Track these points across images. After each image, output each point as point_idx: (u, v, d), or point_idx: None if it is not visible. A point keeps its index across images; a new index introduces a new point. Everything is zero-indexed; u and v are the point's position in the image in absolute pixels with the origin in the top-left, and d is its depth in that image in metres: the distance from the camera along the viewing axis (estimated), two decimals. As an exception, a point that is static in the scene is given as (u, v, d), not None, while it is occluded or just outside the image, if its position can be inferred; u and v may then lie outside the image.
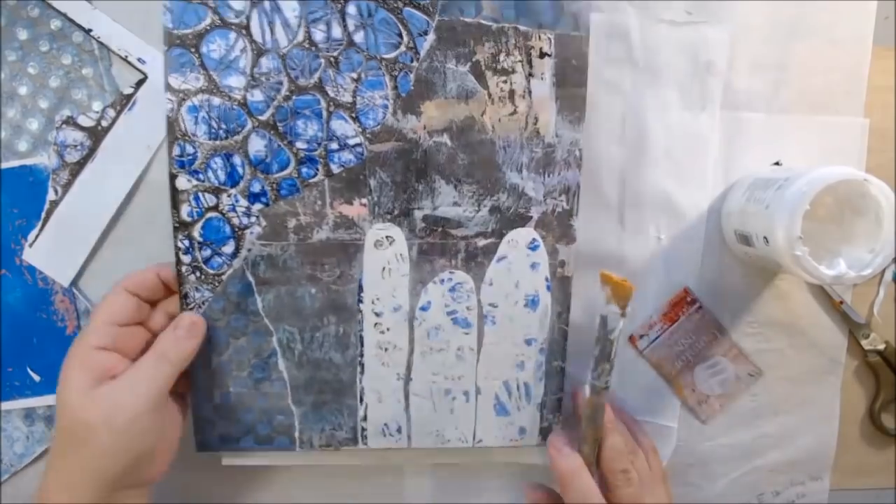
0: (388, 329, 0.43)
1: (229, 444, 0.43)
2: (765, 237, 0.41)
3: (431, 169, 0.40)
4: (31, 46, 0.42)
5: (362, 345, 0.43)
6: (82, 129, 0.42)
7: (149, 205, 0.43)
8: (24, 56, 0.42)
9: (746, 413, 0.50)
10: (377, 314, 0.43)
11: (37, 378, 0.44)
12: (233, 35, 0.38)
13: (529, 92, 0.40)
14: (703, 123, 0.47)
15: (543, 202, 0.41)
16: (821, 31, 0.47)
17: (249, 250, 0.40)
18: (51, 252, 0.42)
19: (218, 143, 0.39)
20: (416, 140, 0.40)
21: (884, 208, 0.40)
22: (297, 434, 0.44)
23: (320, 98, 0.39)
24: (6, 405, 0.44)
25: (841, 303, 0.49)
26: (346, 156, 0.39)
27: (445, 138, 0.40)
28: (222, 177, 0.39)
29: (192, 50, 0.38)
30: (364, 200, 0.40)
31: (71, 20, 0.41)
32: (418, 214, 0.41)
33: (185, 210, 0.39)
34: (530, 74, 0.40)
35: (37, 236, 0.42)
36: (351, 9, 0.38)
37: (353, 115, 0.39)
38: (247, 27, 0.38)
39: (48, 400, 0.44)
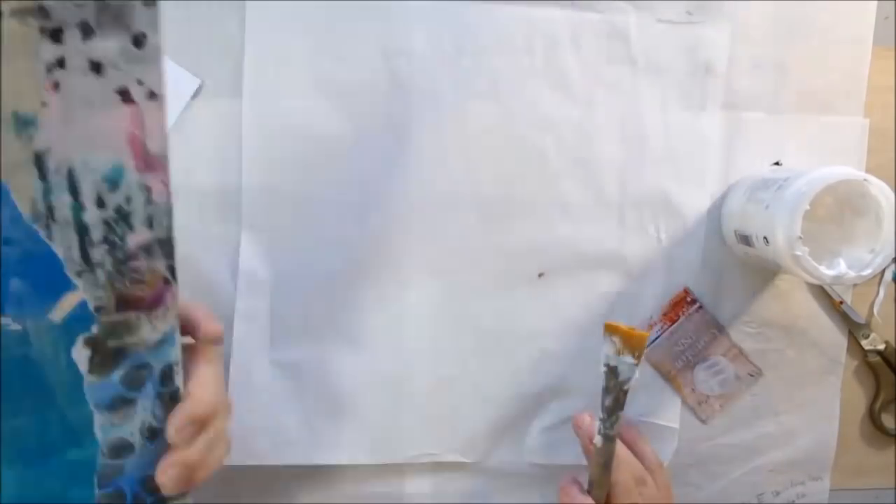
0: None
1: None
2: (765, 237, 0.41)
3: None
4: (31, 46, 0.41)
5: None
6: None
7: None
8: (24, 56, 0.42)
9: (746, 413, 0.50)
10: None
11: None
12: None
13: None
14: (703, 123, 0.47)
15: None
16: (821, 31, 0.47)
17: None
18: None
19: None
20: None
21: (884, 208, 0.40)
22: None
23: None
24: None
25: (841, 303, 0.49)
26: None
27: None
28: None
29: None
30: None
31: (71, 20, 0.41)
32: None
33: None
34: None
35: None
36: None
37: None
38: None
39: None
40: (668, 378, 0.49)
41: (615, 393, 0.38)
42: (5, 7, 0.22)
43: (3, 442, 0.27)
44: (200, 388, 0.30)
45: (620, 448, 0.41)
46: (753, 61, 0.47)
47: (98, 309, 0.26)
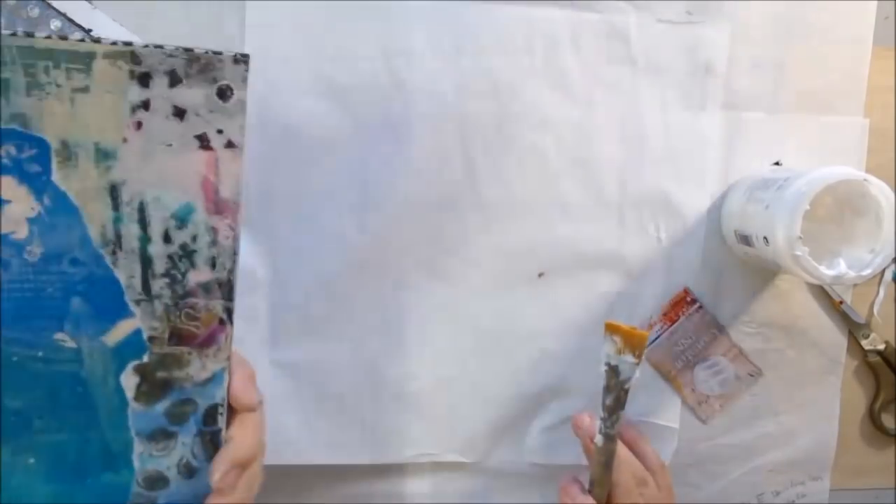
0: None
1: None
2: (765, 237, 0.41)
3: None
4: (31, 46, 0.42)
5: None
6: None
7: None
8: (24, 56, 0.42)
9: (746, 413, 0.50)
10: None
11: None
12: None
13: None
14: (703, 123, 0.47)
15: None
16: (820, 31, 0.47)
17: None
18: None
19: None
20: None
21: (884, 208, 0.40)
22: None
23: None
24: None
25: (841, 303, 0.49)
26: None
27: None
28: None
29: None
30: None
31: (71, 20, 0.41)
32: None
33: None
34: None
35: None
36: None
37: None
38: None
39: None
40: (668, 378, 0.49)
41: (616, 392, 0.38)
42: (99, 48, 0.24)
43: (43, 455, 0.27)
44: (243, 431, 0.30)
45: (621, 448, 0.41)
46: (753, 61, 0.47)
47: (151, 339, 0.27)
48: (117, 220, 0.26)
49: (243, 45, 0.42)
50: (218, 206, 0.27)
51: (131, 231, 0.26)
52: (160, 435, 0.28)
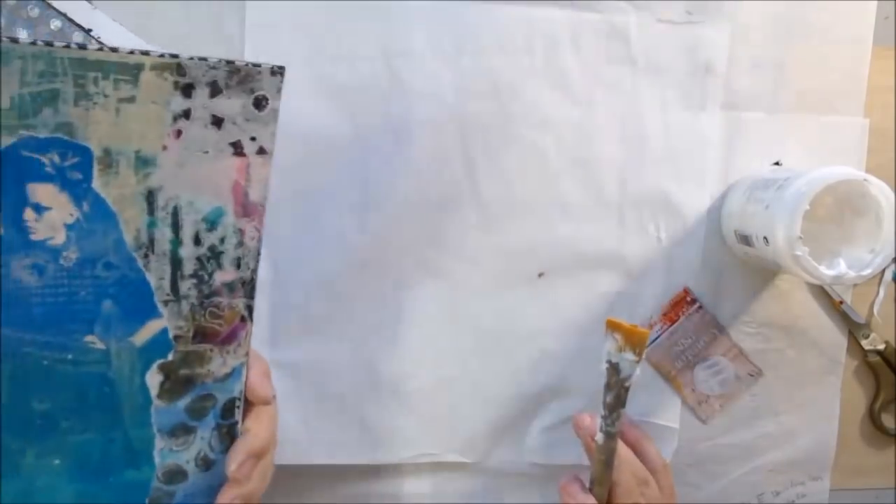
0: None
1: None
2: (765, 237, 0.41)
3: None
4: (31, 46, 0.42)
5: None
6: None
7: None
8: (24, 56, 0.42)
9: (746, 413, 0.50)
10: None
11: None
12: None
13: None
14: (703, 123, 0.47)
15: None
16: (820, 31, 0.47)
17: None
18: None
19: None
20: None
21: (884, 208, 0.40)
22: None
23: None
24: (6, 405, 0.44)
25: (841, 303, 0.49)
26: None
27: None
28: None
29: None
30: None
31: (71, 20, 0.41)
32: None
33: None
34: None
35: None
36: None
37: None
38: None
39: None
40: (668, 378, 0.49)
41: (616, 390, 0.38)
42: (147, 60, 0.25)
43: (68, 455, 0.28)
44: (258, 423, 0.31)
45: (622, 448, 0.41)
46: (753, 61, 0.47)
47: (177, 338, 0.28)
48: (151, 225, 0.27)
49: (243, 45, 0.42)
50: (246, 209, 0.28)
51: (164, 234, 0.27)
52: (180, 430, 0.29)
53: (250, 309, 0.29)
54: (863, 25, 0.47)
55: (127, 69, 0.25)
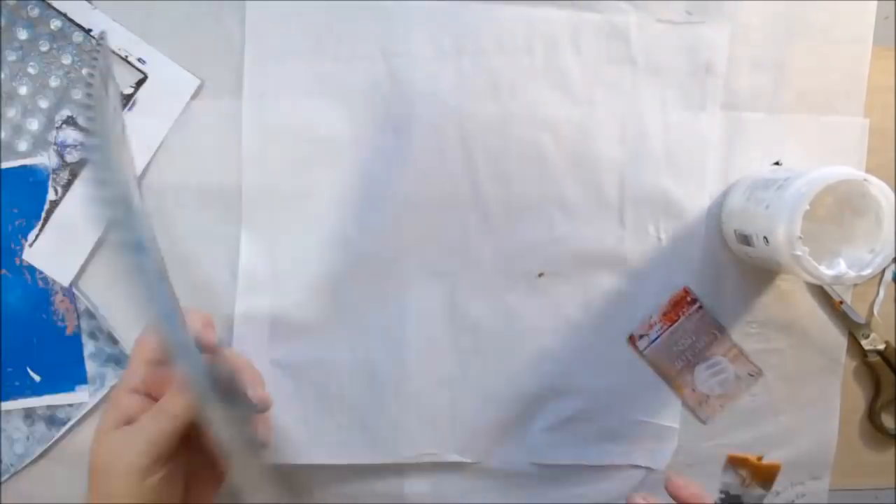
0: None
1: None
2: (765, 237, 0.41)
3: None
4: (31, 46, 0.41)
5: None
6: (82, 129, 0.42)
7: (149, 205, 0.43)
8: (24, 56, 0.42)
9: (746, 413, 0.50)
10: None
11: (37, 378, 0.44)
12: None
13: None
14: (703, 123, 0.47)
15: None
16: (820, 31, 0.47)
17: None
18: (51, 252, 0.42)
19: None
20: None
21: (884, 208, 0.40)
22: None
23: None
24: (6, 405, 0.44)
25: (841, 303, 0.49)
26: None
27: None
28: None
29: None
30: None
31: (71, 20, 0.41)
32: None
33: None
34: None
35: (37, 236, 0.42)
36: None
37: None
38: None
39: (48, 400, 0.44)
40: (668, 378, 0.49)
41: None
42: None
43: None
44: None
45: None
46: (753, 61, 0.47)
47: None
48: None
49: (243, 45, 0.42)
50: None
51: None
52: None
53: None
54: (863, 25, 0.47)
55: None
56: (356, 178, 0.44)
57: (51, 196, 0.42)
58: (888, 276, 0.50)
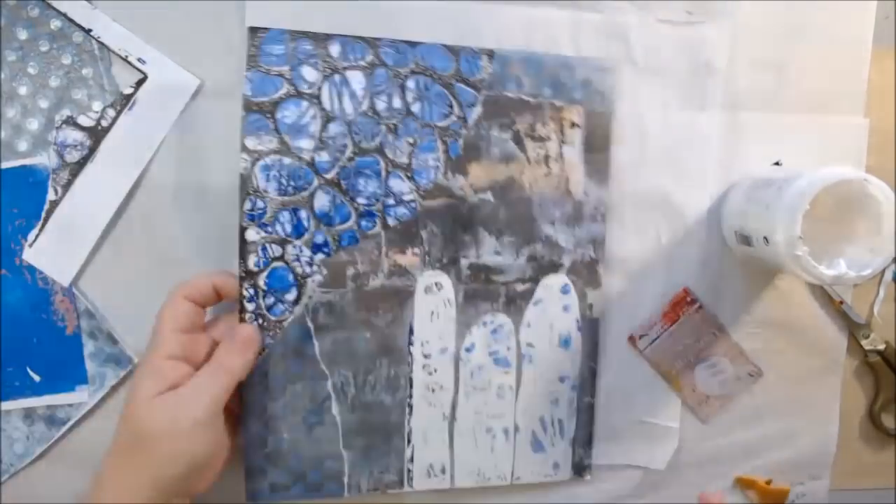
0: (435, 370, 0.45)
1: (280, 492, 0.43)
2: (765, 237, 0.41)
3: (476, 222, 0.44)
4: (31, 46, 0.41)
5: (411, 386, 0.45)
6: (82, 129, 0.42)
7: (149, 205, 0.43)
8: (24, 56, 0.42)
9: (746, 413, 0.50)
10: (426, 356, 0.45)
11: (37, 378, 0.44)
12: (305, 104, 0.42)
13: (562, 157, 0.45)
14: (703, 123, 0.47)
15: (574, 251, 0.46)
16: (821, 31, 0.47)
17: (310, 297, 0.43)
18: (51, 252, 0.42)
19: (286, 198, 0.42)
20: (463, 196, 0.44)
21: (884, 208, 0.40)
22: (346, 479, 0.44)
23: (380, 159, 0.43)
24: (6, 405, 0.44)
25: (841, 303, 0.49)
26: (402, 210, 0.43)
27: (489, 195, 0.44)
28: (289, 229, 0.42)
29: (268, 115, 0.41)
30: (416, 250, 0.44)
31: (71, 20, 0.41)
32: (464, 263, 0.44)
33: (252, 260, 0.42)
34: (563, 142, 0.45)
35: (37, 236, 0.42)
36: (410, 83, 0.43)
37: (409, 174, 0.43)
38: (318, 97, 0.42)
39: (48, 400, 0.44)
40: (668, 378, 0.49)
41: None
42: None
43: None
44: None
45: None
46: (753, 61, 0.47)
47: None
48: None
49: (243, 46, 0.42)
50: None
51: None
52: None
53: None
54: (863, 25, 0.47)
55: None
56: (356, 178, 0.44)
57: (51, 196, 0.42)
58: (888, 276, 0.50)
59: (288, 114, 0.42)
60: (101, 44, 0.42)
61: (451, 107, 0.43)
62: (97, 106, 0.42)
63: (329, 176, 0.42)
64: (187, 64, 0.42)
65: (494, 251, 0.45)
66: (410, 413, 0.45)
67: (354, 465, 0.44)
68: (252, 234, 0.42)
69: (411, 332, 0.44)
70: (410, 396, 0.45)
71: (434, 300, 0.44)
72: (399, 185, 0.43)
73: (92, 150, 0.42)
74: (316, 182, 0.42)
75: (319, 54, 0.42)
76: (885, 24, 0.48)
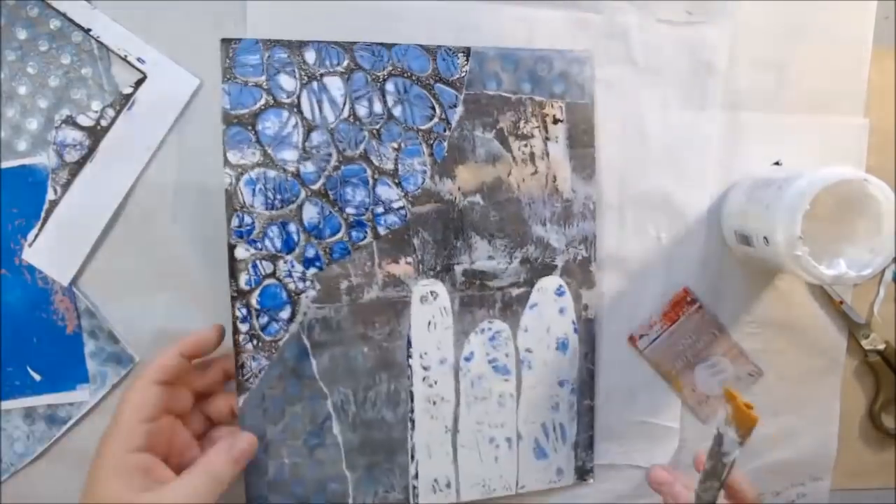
0: (435, 382, 0.44)
1: None
2: (765, 237, 0.41)
3: (467, 226, 0.44)
4: (31, 46, 0.41)
5: (412, 400, 0.44)
6: (82, 128, 0.42)
7: (148, 204, 0.43)
8: (24, 56, 0.42)
9: (746, 413, 0.50)
10: (425, 368, 0.44)
11: (37, 377, 0.44)
12: (285, 113, 0.41)
13: (547, 154, 0.44)
14: (703, 123, 0.47)
15: (566, 251, 0.45)
16: (821, 31, 0.47)
17: (305, 314, 0.42)
18: (50, 252, 0.42)
19: (274, 212, 0.41)
20: (452, 201, 0.44)
21: (884, 208, 0.40)
22: (350, 500, 0.43)
23: (366, 167, 0.42)
24: (6, 405, 0.44)
25: (841, 303, 0.49)
26: (392, 218, 0.43)
27: (478, 198, 0.44)
28: (279, 244, 0.41)
29: (249, 128, 0.40)
30: (409, 259, 0.43)
31: (70, 20, 0.41)
32: (458, 269, 0.44)
33: (243, 279, 0.41)
34: (546, 138, 0.44)
35: (36, 236, 0.42)
36: (389, 86, 0.42)
37: (396, 180, 0.43)
38: (297, 105, 0.41)
39: (48, 399, 0.44)
40: (668, 378, 0.49)
41: (715, 461, 0.37)
42: None
43: None
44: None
45: None
46: (753, 61, 0.47)
47: None
48: None
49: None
50: None
51: None
52: None
53: None
54: (863, 25, 0.47)
55: None
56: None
57: (50, 196, 0.42)
58: (888, 276, 0.50)
59: (269, 125, 0.41)
60: (101, 43, 0.42)
61: (433, 108, 0.43)
62: (96, 106, 0.42)
63: (315, 187, 0.41)
64: (187, 64, 0.42)
65: (487, 255, 0.44)
66: (413, 428, 0.44)
67: (358, 485, 0.43)
68: (241, 252, 0.40)
69: (409, 344, 0.43)
70: (412, 410, 0.44)
71: (430, 309, 0.44)
72: (387, 192, 0.42)
73: (91, 150, 0.42)
74: (303, 194, 0.41)
75: (295, 62, 0.41)
76: (885, 24, 0.48)
